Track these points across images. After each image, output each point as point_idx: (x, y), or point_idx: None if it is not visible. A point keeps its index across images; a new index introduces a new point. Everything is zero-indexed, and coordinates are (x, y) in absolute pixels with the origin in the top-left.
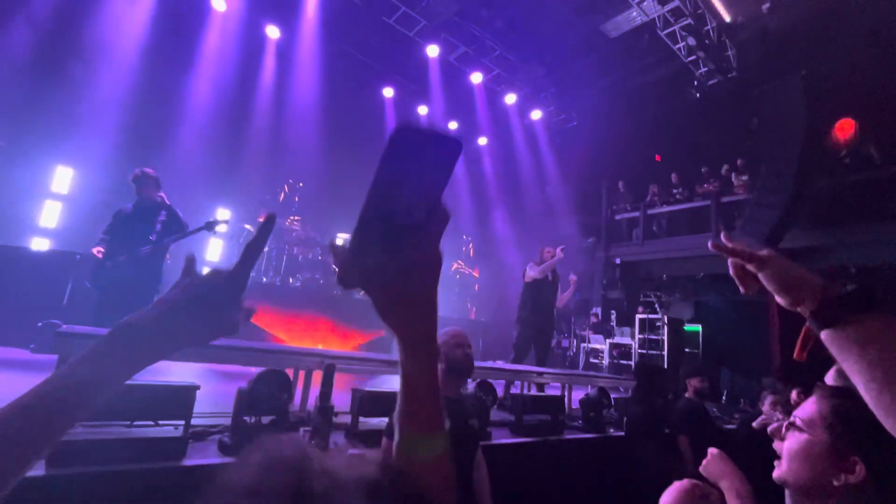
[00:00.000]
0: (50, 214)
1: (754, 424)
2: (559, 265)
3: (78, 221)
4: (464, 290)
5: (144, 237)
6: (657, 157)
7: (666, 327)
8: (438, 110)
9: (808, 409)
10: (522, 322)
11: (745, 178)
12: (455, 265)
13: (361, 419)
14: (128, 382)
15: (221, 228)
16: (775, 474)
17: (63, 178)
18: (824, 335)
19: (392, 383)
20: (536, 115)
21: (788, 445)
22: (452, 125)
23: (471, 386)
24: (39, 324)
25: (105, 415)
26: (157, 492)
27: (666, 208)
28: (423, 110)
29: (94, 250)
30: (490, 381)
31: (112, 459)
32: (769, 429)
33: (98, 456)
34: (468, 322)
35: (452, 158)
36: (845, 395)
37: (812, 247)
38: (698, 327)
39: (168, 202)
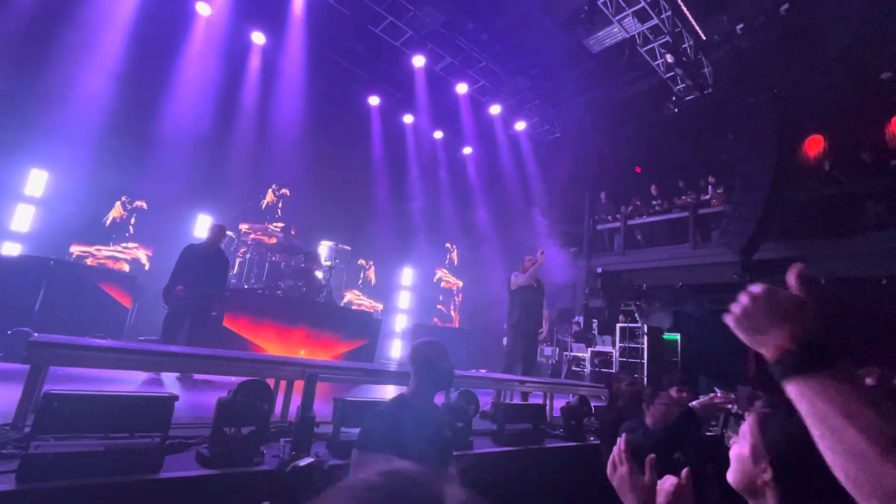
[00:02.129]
0: (22, 218)
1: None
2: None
3: (52, 226)
4: (448, 298)
5: (210, 273)
6: (637, 169)
7: (645, 336)
8: (424, 120)
9: (745, 423)
10: (512, 328)
11: (720, 190)
12: (438, 273)
13: (343, 429)
14: (104, 393)
15: None
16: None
17: (37, 181)
18: (784, 384)
19: (373, 392)
20: (520, 125)
21: (731, 454)
22: (438, 134)
23: (453, 394)
24: (9, 332)
25: (79, 427)
26: None
27: (646, 219)
28: (408, 119)
29: (178, 290)
30: (473, 390)
31: (86, 473)
32: (732, 441)
33: (71, 469)
34: (452, 331)
35: None
36: (767, 408)
37: (784, 258)
38: (677, 336)
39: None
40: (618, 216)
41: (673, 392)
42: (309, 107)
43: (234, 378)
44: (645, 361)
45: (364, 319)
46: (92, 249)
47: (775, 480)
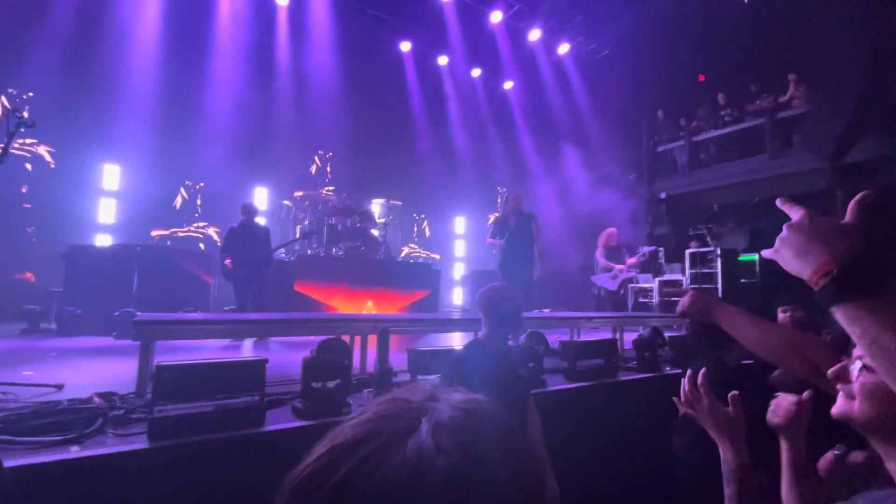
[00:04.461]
0: (107, 211)
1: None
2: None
3: (132, 215)
4: None
5: (254, 247)
6: (701, 78)
7: (719, 259)
8: (460, 58)
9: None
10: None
11: (802, 88)
12: (492, 218)
13: (419, 376)
14: (206, 361)
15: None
16: (836, 410)
17: (111, 174)
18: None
19: (442, 341)
20: (564, 48)
21: (859, 386)
22: (476, 72)
23: (521, 337)
24: (116, 313)
25: (190, 392)
26: (243, 455)
27: (714, 133)
28: (443, 60)
29: (227, 262)
30: (540, 330)
31: (202, 430)
32: (829, 372)
33: (189, 428)
34: None
35: None
36: None
37: (882, 157)
38: (755, 256)
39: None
40: (680, 133)
41: (778, 314)
42: (341, 64)
43: (309, 338)
44: (719, 286)
45: (424, 271)
46: (169, 232)
47: None
